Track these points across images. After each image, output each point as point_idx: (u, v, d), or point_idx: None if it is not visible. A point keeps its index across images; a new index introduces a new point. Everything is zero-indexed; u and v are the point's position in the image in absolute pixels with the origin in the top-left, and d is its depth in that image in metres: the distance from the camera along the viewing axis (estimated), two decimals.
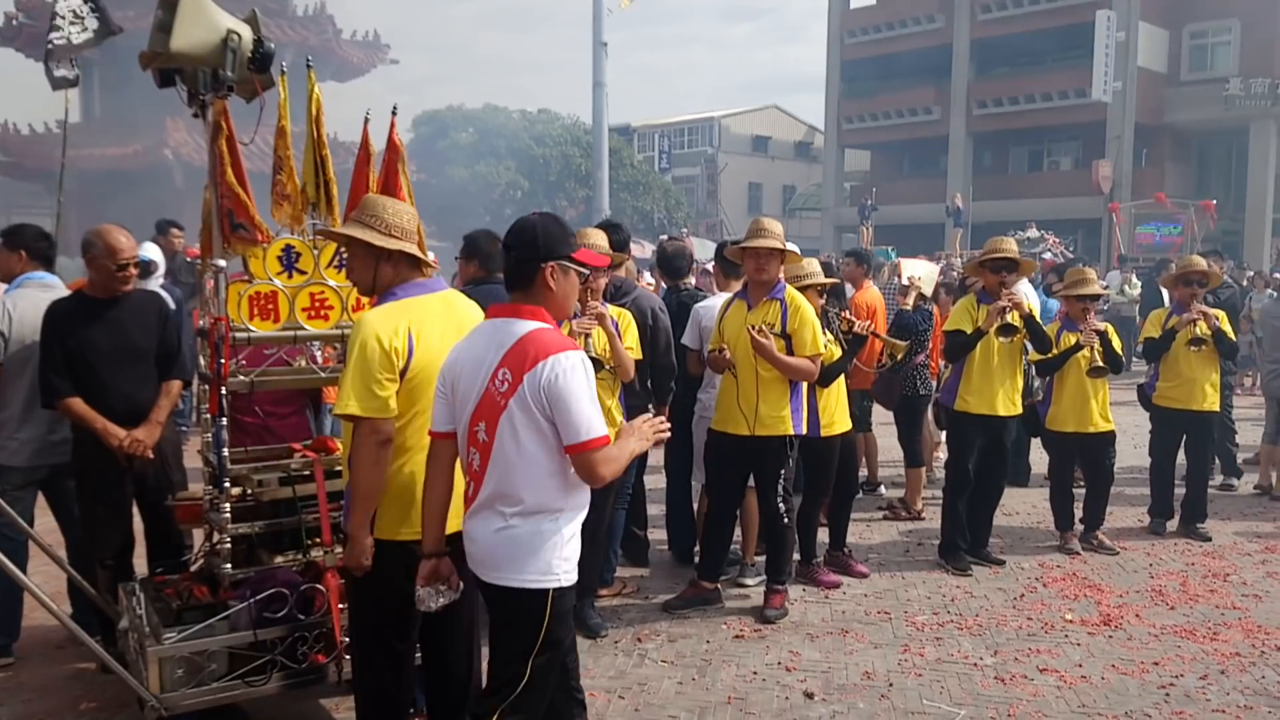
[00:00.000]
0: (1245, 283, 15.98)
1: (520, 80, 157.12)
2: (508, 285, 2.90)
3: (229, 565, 3.43)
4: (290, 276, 3.54)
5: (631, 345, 4.75)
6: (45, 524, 4.60)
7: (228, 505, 3.42)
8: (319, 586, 3.45)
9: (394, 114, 3.79)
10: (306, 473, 3.60)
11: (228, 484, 3.43)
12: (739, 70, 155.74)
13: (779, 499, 5.07)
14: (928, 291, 7.08)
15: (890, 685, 4.34)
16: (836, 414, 5.55)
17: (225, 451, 3.40)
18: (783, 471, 5.05)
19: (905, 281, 6.25)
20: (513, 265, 2.86)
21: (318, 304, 3.56)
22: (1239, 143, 32.72)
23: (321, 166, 3.69)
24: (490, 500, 2.77)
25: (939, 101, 37.24)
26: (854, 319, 5.58)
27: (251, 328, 3.45)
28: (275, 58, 3.40)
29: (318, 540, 3.55)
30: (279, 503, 3.56)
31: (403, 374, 2.93)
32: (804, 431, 5.17)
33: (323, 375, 3.66)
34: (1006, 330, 5.82)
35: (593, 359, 4.35)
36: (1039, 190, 34.89)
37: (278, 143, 3.64)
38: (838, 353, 5.47)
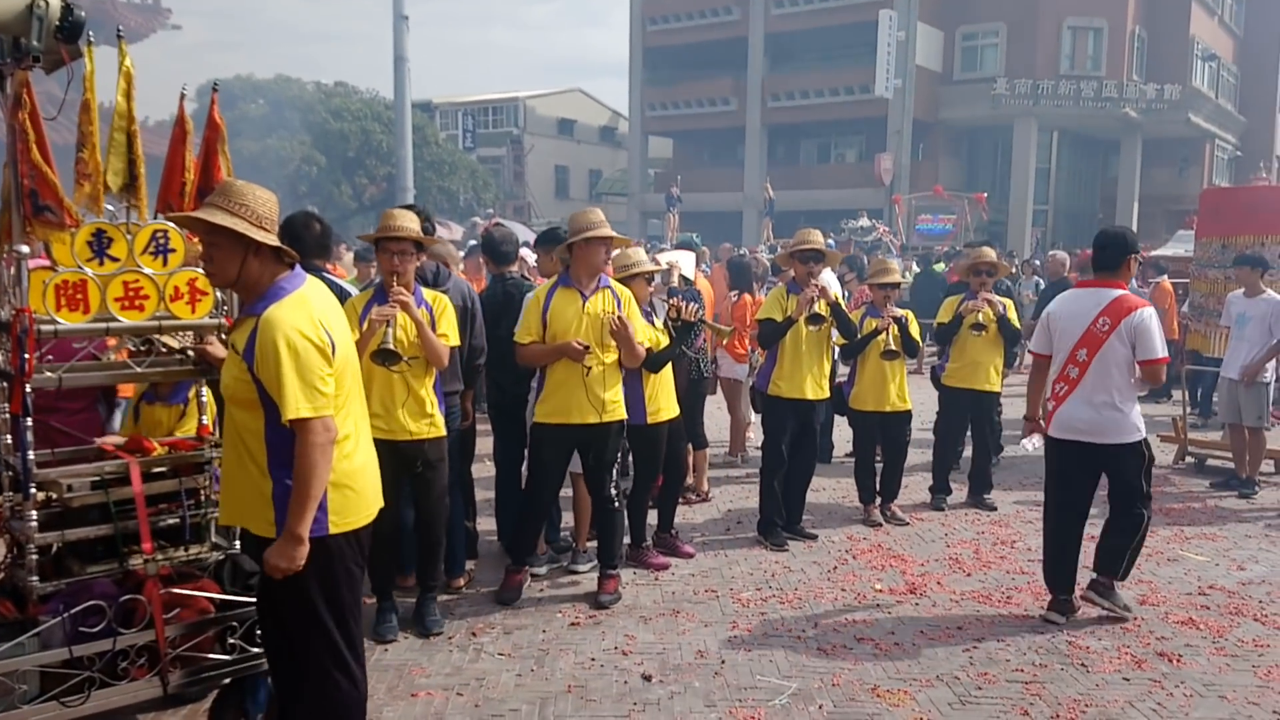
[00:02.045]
0: (1014, 270, 17.41)
1: (310, 50, 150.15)
2: (1100, 266, 5.05)
3: (36, 578, 3.13)
4: (101, 264, 3.24)
5: (447, 332, 4.64)
6: None
7: (34, 513, 3.12)
8: (140, 597, 3.22)
9: (215, 89, 3.57)
10: (122, 475, 3.33)
11: (33, 489, 3.13)
12: (540, 52, 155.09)
13: (612, 485, 5.17)
14: (689, 275, 7.44)
15: (723, 663, 4.49)
16: (663, 400, 5.67)
17: (31, 454, 3.10)
18: (617, 458, 5.16)
19: (665, 265, 6.49)
20: (1111, 255, 5.00)
21: (132, 293, 3.29)
22: (1004, 139, 35.54)
23: (129, 145, 3.42)
24: (1087, 396, 4.90)
25: (736, 92, 38.50)
26: (681, 306, 5.71)
27: (59, 319, 3.15)
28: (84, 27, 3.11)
29: (136, 548, 3.31)
30: (91, 509, 3.28)
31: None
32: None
33: (139, 371, 3.39)
34: (814, 319, 6.11)
35: (388, 350, 4.23)
36: (827, 181, 36.75)
37: (82, 118, 3.34)
38: (666, 340, 5.59)
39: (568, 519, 5.98)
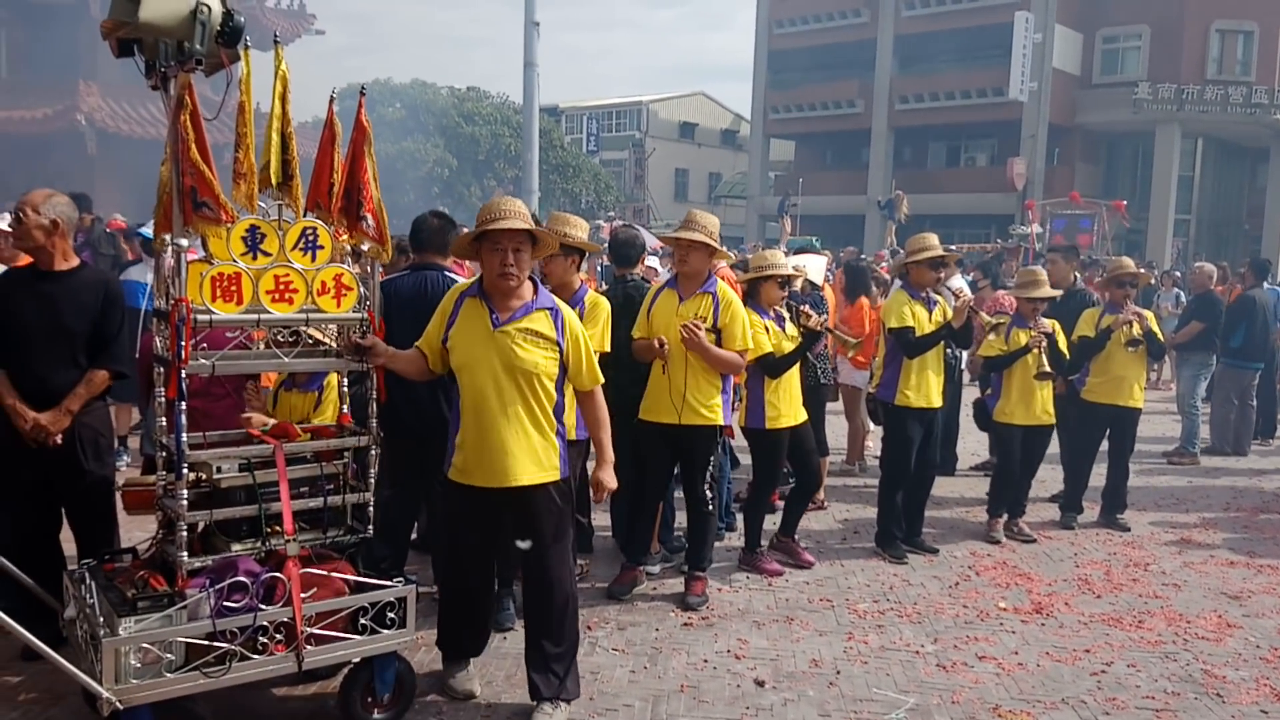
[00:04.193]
0: (1153, 281, 16.63)
1: (443, 55, 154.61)
2: None
3: (186, 553, 3.32)
4: (254, 258, 3.42)
5: (590, 332, 4.70)
6: None
7: (185, 492, 3.31)
8: (280, 576, 3.38)
9: (362, 93, 3.72)
10: (268, 459, 3.50)
11: (186, 469, 3.32)
12: (662, 55, 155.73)
13: (705, 486, 5.15)
14: (817, 280, 7.34)
15: (838, 673, 4.44)
16: (785, 406, 5.61)
17: (185, 436, 3.29)
18: (711, 460, 5.13)
19: (792, 270, 6.40)
20: None
21: (282, 286, 3.45)
22: (1145, 145, 34.03)
23: (285, 146, 3.59)
24: None
25: (862, 95, 37.92)
26: (811, 313, 5.66)
27: (214, 310, 3.33)
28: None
29: (278, 529, 3.47)
30: (237, 489, 3.46)
31: None
32: (732, 423, 5.24)
33: (287, 360, 3.56)
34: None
35: None
36: (956, 185, 35.85)
37: (238, 119, 3.52)
38: (790, 346, 5.55)
39: (681, 519, 5.98)
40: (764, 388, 5.53)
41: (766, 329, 5.50)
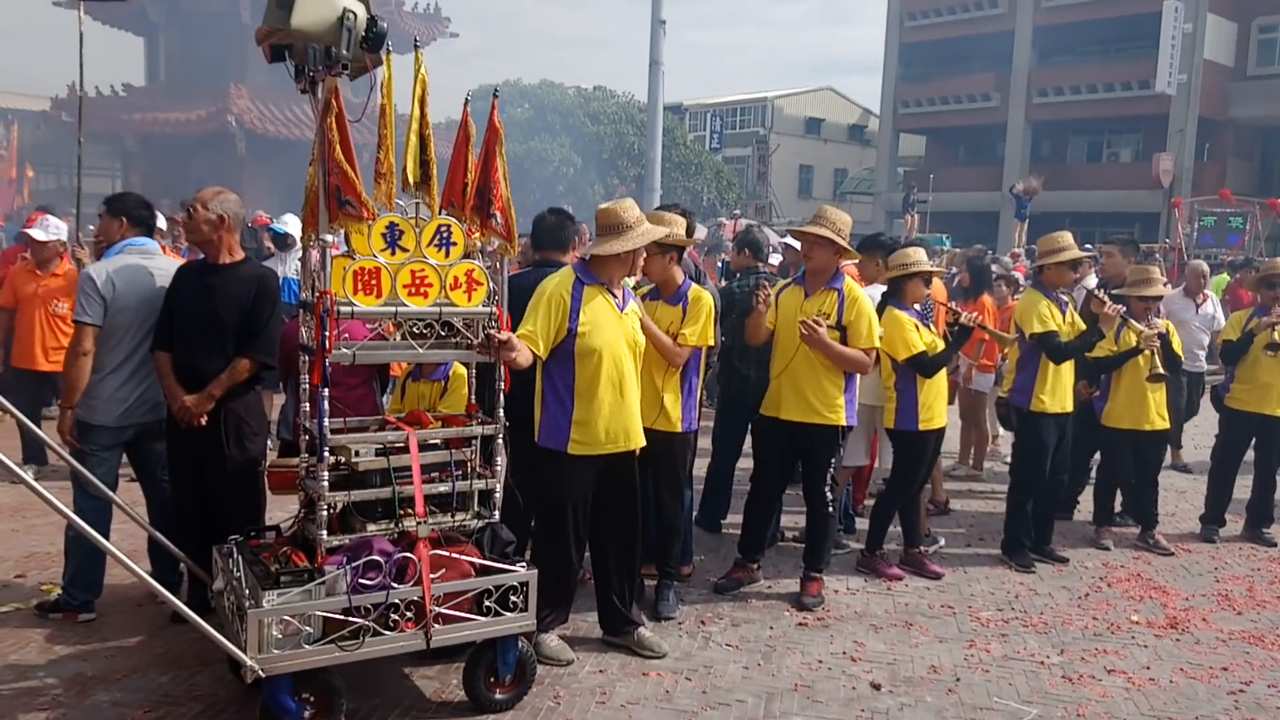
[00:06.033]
0: None
1: (569, 55, 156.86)
2: None
3: (325, 532, 3.51)
4: (393, 253, 3.59)
5: (686, 331, 4.70)
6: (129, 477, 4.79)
7: (326, 473, 3.50)
8: (412, 556, 3.53)
9: (495, 95, 3.84)
10: (402, 444, 3.67)
11: (327, 453, 3.50)
12: (789, 51, 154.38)
13: (826, 487, 5.10)
14: None
15: (957, 680, 4.36)
16: (938, 408, 5.52)
17: (326, 421, 3.47)
18: (832, 460, 5.08)
19: (934, 267, 6.24)
20: None
21: (418, 281, 3.61)
22: None
23: (423, 147, 3.74)
24: None
25: (999, 88, 36.73)
26: (960, 310, 5.56)
27: (355, 302, 3.51)
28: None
29: (410, 511, 3.63)
30: (373, 473, 3.64)
31: None
32: (856, 423, 5.17)
33: (421, 351, 3.72)
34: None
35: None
36: (1097, 181, 34.41)
37: (380, 121, 3.68)
38: (942, 345, 5.48)
39: (799, 520, 5.94)
40: (918, 389, 5.44)
41: (916, 327, 5.43)
